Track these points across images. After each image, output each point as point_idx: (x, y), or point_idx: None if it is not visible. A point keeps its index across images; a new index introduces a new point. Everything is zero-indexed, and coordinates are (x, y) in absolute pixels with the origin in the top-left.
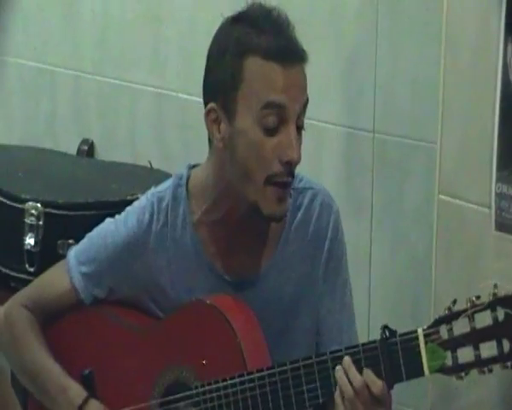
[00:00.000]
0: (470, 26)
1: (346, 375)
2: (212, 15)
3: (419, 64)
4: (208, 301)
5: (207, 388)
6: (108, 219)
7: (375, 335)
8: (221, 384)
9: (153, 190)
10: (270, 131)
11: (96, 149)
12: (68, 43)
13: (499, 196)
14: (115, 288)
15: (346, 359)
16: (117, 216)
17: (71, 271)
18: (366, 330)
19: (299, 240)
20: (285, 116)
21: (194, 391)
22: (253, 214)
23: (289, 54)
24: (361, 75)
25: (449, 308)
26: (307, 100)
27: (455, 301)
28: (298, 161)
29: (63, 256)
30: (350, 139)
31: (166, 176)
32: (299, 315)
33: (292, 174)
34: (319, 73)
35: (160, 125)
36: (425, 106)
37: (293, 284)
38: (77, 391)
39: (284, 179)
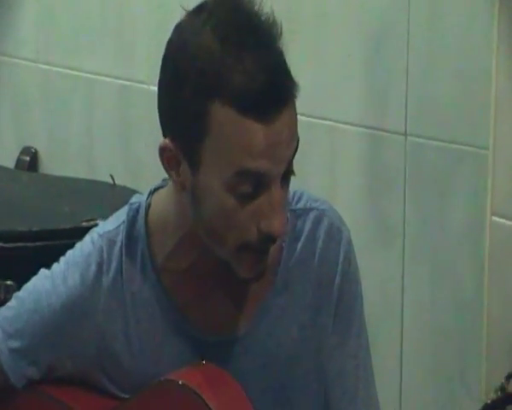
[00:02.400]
0: None
1: None
2: None
3: (465, 46)
4: (180, 382)
5: None
6: (43, 273)
7: (409, 403)
8: None
9: (99, 228)
10: (246, 198)
11: (41, 160)
12: (4, 21)
13: None
14: (55, 365)
15: None
16: (54, 266)
17: None
18: (398, 397)
19: (299, 280)
20: (265, 181)
21: None
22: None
23: (273, 102)
24: (389, 61)
25: (501, 388)
26: (297, 144)
27: (510, 376)
28: (280, 235)
29: None
30: (376, 144)
31: (134, 194)
32: (301, 377)
33: (273, 243)
34: (337, 60)
35: (126, 128)
36: (473, 101)
37: (292, 338)
38: None
39: (263, 247)
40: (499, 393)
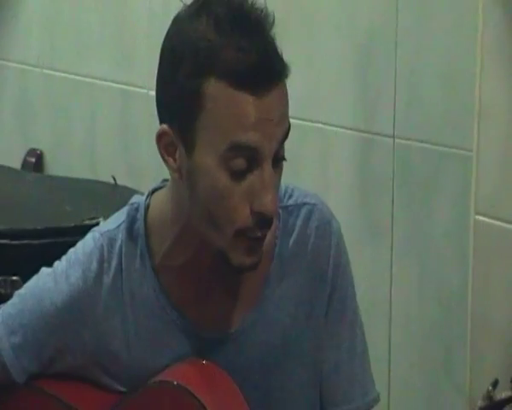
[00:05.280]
0: None
1: None
2: None
3: (450, 51)
4: (175, 382)
5: None
6: (45, 271)
7: (397, 399)
8: None
9: (101, 227)
10: (239, 175)
11: (46, 161)
12: (9, 28)
13: None
14: (56, 360)
15: None
16: (56, 265)
17: None
18: (386, 388)
19: (292, 274)
20: (257, 157)
21: None
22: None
23: (265, 76)
24: (378, 66)
25: (489, 396)
26: (289, 127)
27: (496, 383)
28: (273, 214)
29: (5, 298)
30: (365, 146)
31: (134, 194)
32: (295, 369)
33: (267, 226)
34: (327, 66)
35: (127, 131)
36: (458, 104)
37: (287, 331)
38: None
39: (257, 235)
40: (486, 401)
